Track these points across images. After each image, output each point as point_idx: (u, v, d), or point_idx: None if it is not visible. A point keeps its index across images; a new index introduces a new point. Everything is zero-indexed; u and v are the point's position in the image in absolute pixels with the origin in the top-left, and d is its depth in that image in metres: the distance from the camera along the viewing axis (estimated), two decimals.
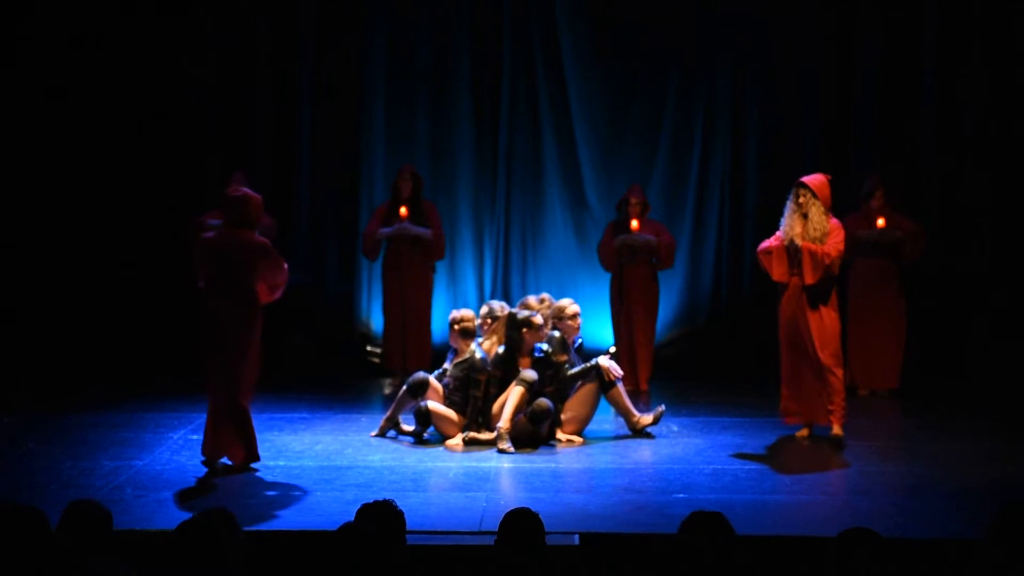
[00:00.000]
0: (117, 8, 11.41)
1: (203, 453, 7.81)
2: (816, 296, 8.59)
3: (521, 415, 8.61)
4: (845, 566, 4.13)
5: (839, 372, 8.69)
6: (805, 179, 8.59)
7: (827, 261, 8.47)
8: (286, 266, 8.03)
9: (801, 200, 8.53)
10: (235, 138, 11.65)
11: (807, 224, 8.51)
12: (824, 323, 8.61)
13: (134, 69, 11.47)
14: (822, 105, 11.72)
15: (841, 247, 8.53)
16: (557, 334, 9.07)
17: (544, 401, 8.64)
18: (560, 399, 8.88)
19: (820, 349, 8.61)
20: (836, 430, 8.72)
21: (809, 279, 8.51)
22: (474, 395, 8.77)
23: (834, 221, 8.55)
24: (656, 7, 11.79)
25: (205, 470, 7.83)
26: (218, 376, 7.74)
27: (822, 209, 8.50)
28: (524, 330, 8.84)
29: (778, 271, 8.65)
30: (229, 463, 7.89)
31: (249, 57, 11.69)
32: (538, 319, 8.89)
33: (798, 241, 8.49)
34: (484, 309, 9.34)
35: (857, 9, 11.61)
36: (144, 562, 4.91)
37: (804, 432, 8.86)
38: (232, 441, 7.82)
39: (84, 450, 8.39)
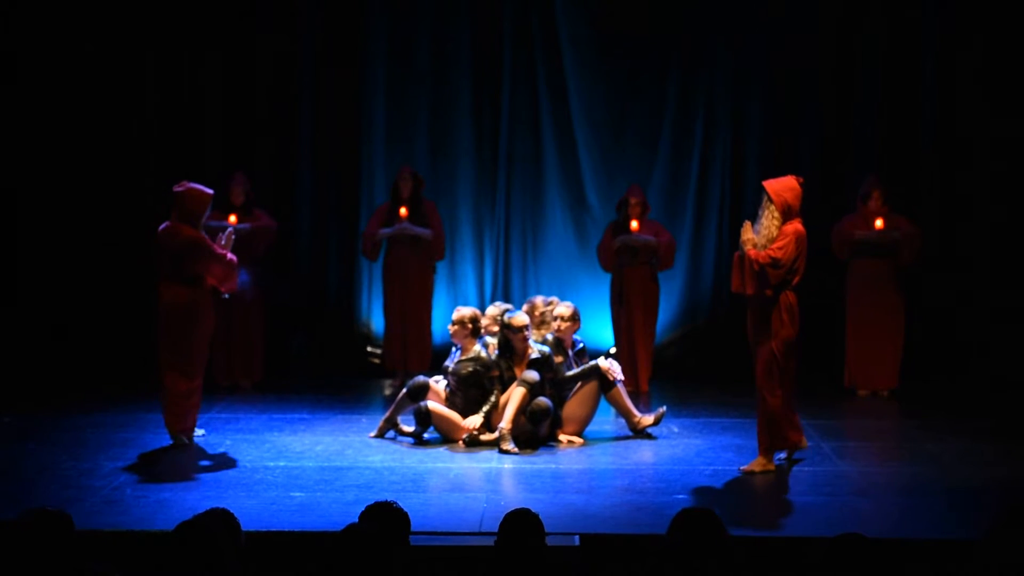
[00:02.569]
0: (117, 8, 11.40)
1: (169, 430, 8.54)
2: (763, 309, 7.97)
3: (521, 415, 8.61)
4: (844, 567, 4.13)
5: (771, 398, 7.96)
6: (766, 181, 8.14)
7: (755, 267, 7.82)
8: (230, 258, 8.56)
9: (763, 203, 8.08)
10: (235, 138, 11.65)
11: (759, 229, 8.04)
12: (769, 342, 7.97)
13: (134, 69, 11.46)
14: (822, 105, 11.72)
15: (781, 253, 7.82)
16: (551, 337, 9.07)
17: (544, 401, 8.64)
18: (559, 400, 8.88)
19: (757, 367, 8.07)
20: (752, 466, 8.01)
21: (748, 288, 7.91)
22: (491, 393, 8.76)
23: (788, 227, 7.91)
24: (656, 7, 11.78)
25: (206, 470, 7.87)
26: (168, 358, 8.49)
27: (775, 213, 7.96)
28: (506, 332, 8.87)
29: (733, 282, 8.07)
30: (192, 435, 8.62)
31: (249, 57, 11.68)
32: (519, 319, 8.88)
33: (746, 248, 7.96)
34: (492, 310, 9.31)
35: (857, 9, 11.61)
36: (144, 563, 4.91)
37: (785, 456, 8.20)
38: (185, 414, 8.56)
39: (84, 450, 8.39)
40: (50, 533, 4.30)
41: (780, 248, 7.88)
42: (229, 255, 8.58)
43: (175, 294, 8.49)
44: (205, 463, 8.13)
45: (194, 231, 8.47)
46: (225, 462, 8.16)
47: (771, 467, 7.98)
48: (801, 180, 8.19)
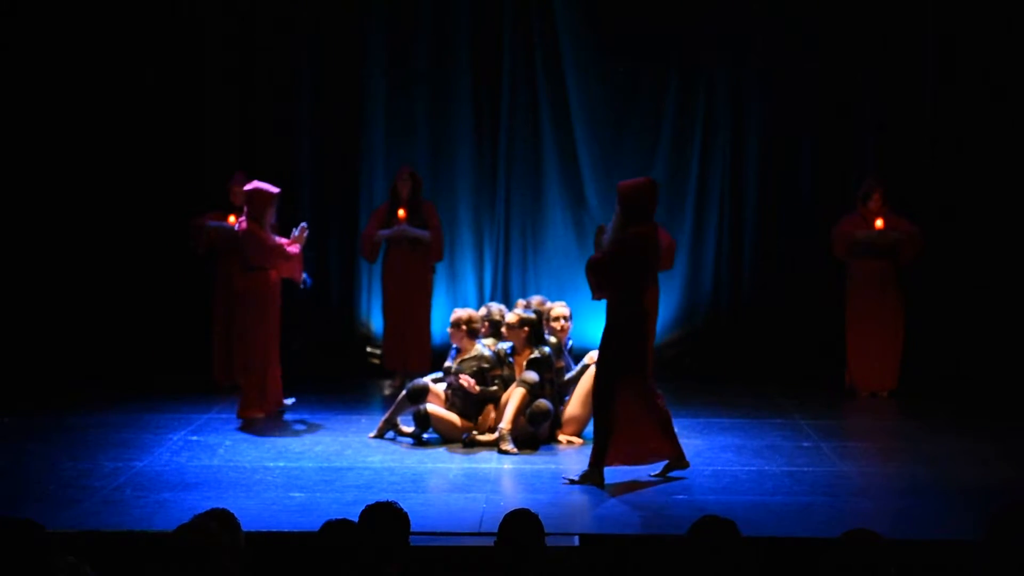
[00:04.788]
0: (117, 8, 11.40)
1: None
2: (607, 319, 7.72)
3: (521, 416, 8.61)
4: (846, 567, 4.13)
5: (598, 417, 7.70)
6: (620, 183, 7.94)
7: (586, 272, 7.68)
8: (290, 251, 9.46)
9: None
10: (235, 138, 11.65)
11: None
12: (602, 355, 7.70)
13: (134, 69, 11.46)
14: (822, 105, 11.71)
15: (600, 257, 7.66)
16: (553, 339, 9.06)
17: (543, 403, 8.64)
18: (558, 401, 8.88)
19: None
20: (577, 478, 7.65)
21: (592, 292, 7.83)
22: (494, 393, 8.77)
23: (631, 230, 7.63)
24: (656, 7, 11.78)
25: (203, 471, 7.88)
26: (239, 343, 9.69)
27: (618, 216, 7.73)
28: (503, 330, 8.93)
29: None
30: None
31: (249, 57, 11.68)
32: (511, 318, 8.95)
33: (596, 251, 7.80)
34: (482, 311, 9.35)
35: (857, 9, 11.60)
36: (144, 563, 4.91)
37: (658, 473, 7.81)
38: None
39: (84, 450, 8.39)
40: (16, 543, 4.27)
41: (604, 252, 7.70)
42: (289, 248, 9.47)
43: (243, 283, 9.51)
44: (205, 463, 8.13)
45: (254, 225, 9.39)
46: (225, 462, 8.17)
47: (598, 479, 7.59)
48: (653, 181, 7.93)
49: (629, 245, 7.60)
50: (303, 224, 9.71)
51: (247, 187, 9.57)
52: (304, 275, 9.74)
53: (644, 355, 7.68)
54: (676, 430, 9.15)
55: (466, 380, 8.69)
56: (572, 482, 7.61)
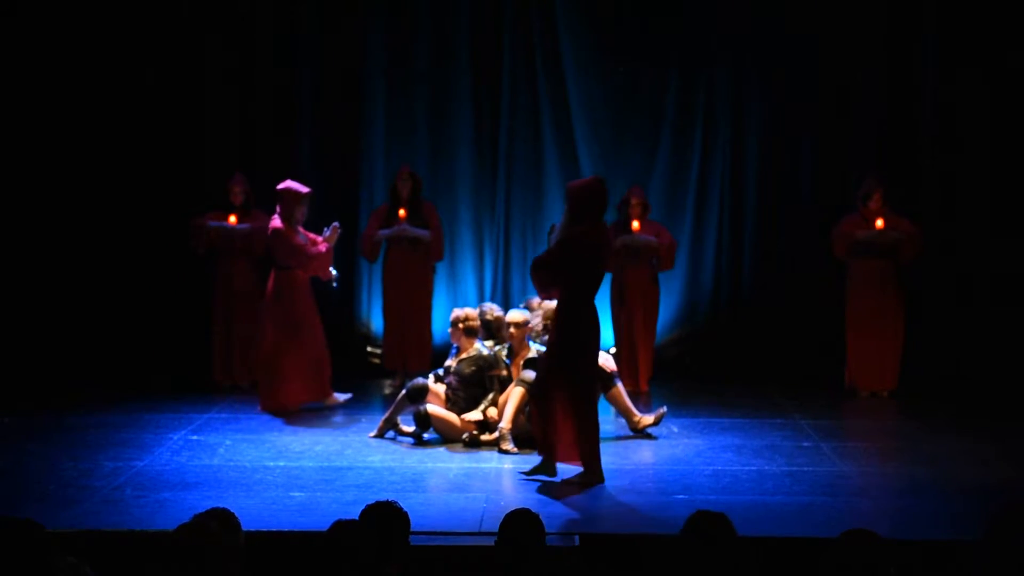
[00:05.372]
0: (118, 8, 11.40)
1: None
2: (555, 318, 7.72)
3: (521, 415, 8.61)
4: (845, 567, 4.13)
5: (538, 405, 7.73)
6: (569, 184, 7.99)
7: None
8: (315, 251, 9.75)
9: None
10: (235, 138, 11.65)
11: None
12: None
13: (134, 69, 11.46)
14: (822, 105, 11.72)
15: (544, 256, 7.68)
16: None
17: None
18: None
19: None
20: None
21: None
22: (493, 393, 8.77)
23: (574, 230, 7.59)
24: (656, 8, 11.78)
25: (203, 471, 7.88)
26: (280, 337, 9.74)
27: (566, 215, 7.72)
28: (503, 328, 9.01)
29: None
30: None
31: (249, 57, 11.68)
32: (519, 316, 8.97)
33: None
34: (476, 311, 9.35)
35: (857, 9, 11.60)
36: (144, 563, 4.91)
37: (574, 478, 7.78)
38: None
39: (84, 450, 8.39)
40: (16, 543, 4.27)
41: (548, 251, 7.72)
42: (314, 249, 9.74)
43: (275, 280, 9.78)
44: (205, 463, 8.13)
45: (283, 224, 9.70)
46: (225, 462, 8.17)
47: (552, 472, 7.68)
48: (601, 181, 7.87)
49: (573, 245, 7.59)
50: (335, 224, 9.97)
51: (279, 186, 9.80)
52: (334, 273, 9.94)
53: (589, 357, 7.66)
54: (676, 430, 9.22)
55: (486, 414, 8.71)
56: (526, 474, 7.71)
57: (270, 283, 9.88)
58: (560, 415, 7.62)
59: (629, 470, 8.08)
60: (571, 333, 7.59)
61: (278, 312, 9.76)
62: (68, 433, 8.93)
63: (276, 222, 9.76)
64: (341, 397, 10.05)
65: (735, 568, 4.30)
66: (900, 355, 10.65)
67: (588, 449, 7.66)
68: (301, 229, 9.89)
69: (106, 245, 11.45)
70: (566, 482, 7.67)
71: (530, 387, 7.94)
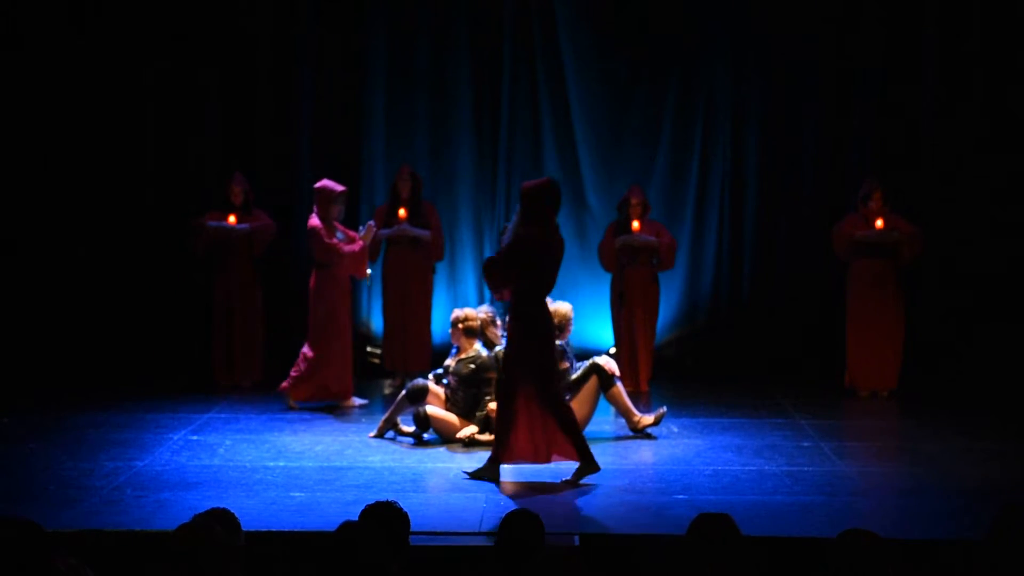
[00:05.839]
0: (118, 8, 11.41)
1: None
2: (509, 319, 7.76)
3: None
4: (845, 567, 4.13)
5: (499, 413, 7.77)
6: (524, 183, 7.98)
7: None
8: (347, 249, 9.86)
9: None
10: (235, 138, 11.65)
11: None
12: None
13: (133, 69, 11.46)
14: (822, 105, 11.72)
15: (496, 256, 7.72)
16: (559, 342, 9.04)
17: None
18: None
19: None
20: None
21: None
22: (486, 395, 8.78)
23: (522, 231, 7.59)
24: (656, 7, 11.78)
25: (203, 471, 7.89)
26: (311, 333, 9.97)
27: (518, 215, 7.74)
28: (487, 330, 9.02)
29: None
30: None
31: (249, 57, 11.68)
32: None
33: None
34: (476, 311, 9.33)
35: (857, 9, 11.61)
36: (144, 563, 4.91)
37: (570, 479, 7.70)
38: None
39: (84, 450, 8.39)
40: (15, 542, 4.26)
41: (498, 252, 7.75)
42: (346, 248, 9.84)
43: (315, 278, 9.92)
44: (205, 463, 8.13)
45: (316, 222, 9.81)
46: (225, 462, 8.17)
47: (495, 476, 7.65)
48: (553, 182, 7.84)
49: (523, 245, 7.59)
50: (370, 223, 10.17)
51: (316, 185, 9.94)
52: (369, 272, 10.10)
53: (545, 356, 7.65)
54: (676, 430, 9.22)
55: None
56: (470, 476, 7.69)
57: (311, 281, 10.00)
58: (524, 416, 7.61)
59: (629, 470, 8.08)
60: (526, 333, 7.59)
61: (315, 309, 9.94)
62: (68, 433, 8.93)
63: (312, 220, 9.88)
64: (358, 401, 10.08)
65: (741, 570, 4.30)
66: (900, 355, 10.65)
67: (577, 441, 7.67)
68: (340, 227, 10.02)
69: (106, 245, 11.45)
70: (566, 482, 7.67)
71: (497, 392, 7.91)
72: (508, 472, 7.95)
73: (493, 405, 8.74)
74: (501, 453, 7.67)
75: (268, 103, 11.74)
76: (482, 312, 9.22)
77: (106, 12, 11.40)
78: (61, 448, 8.45)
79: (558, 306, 9.22)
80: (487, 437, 8.64)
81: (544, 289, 7.67)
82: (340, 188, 9.96)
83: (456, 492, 7.50)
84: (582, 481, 7.65)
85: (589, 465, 7.67)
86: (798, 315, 11.70)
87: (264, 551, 6.01)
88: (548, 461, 7.71)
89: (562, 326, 9.01)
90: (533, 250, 7.57)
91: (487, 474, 7.67)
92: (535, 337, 7.60)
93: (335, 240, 9.89)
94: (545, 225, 7.64)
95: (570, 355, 9.11)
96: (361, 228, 10.07)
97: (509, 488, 7.59)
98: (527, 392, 7.59)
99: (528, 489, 7.56)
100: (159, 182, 11.55)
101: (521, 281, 7.60)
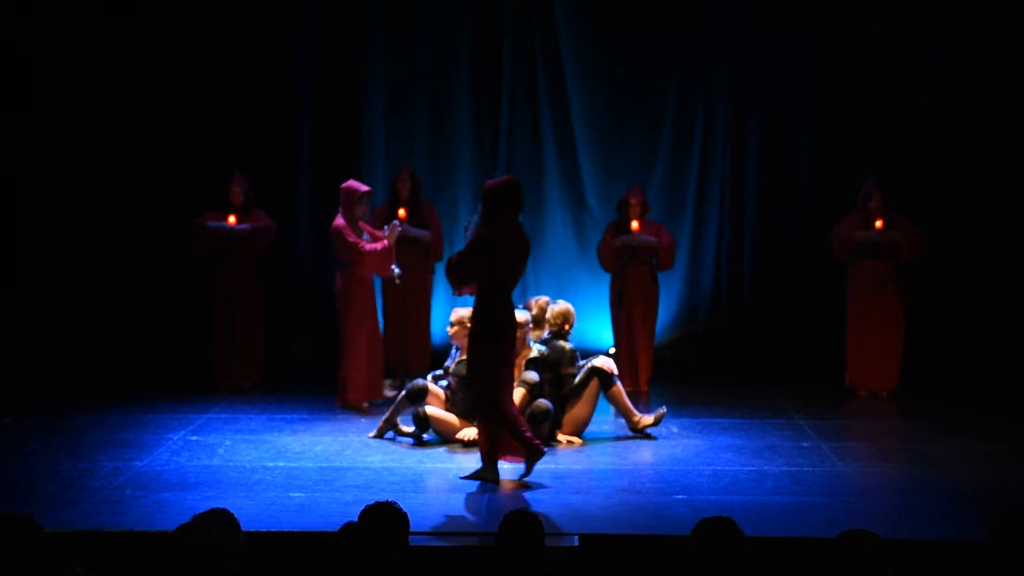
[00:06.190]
0: (118, 8, 11.41)
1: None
2: (471, 318, 7.83)
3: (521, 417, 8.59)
4: (844, 567, 4.13)
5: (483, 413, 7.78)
6: (486, 183, 7.96)
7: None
8: (368, 248, 9.86)
9: None
10: (235, 138, 11.65)
11: None
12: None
13: (133, 68, 11.46)
14: (822, 105, 11.72)
15: (455, 256, 7.76)
16: (568, 345, 9.01)
17: (543, 403, 8.63)
18: (558, 400, 8.87)
19: None
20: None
21: None
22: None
23: (480, 230, 7.59)
24: (656, 7, 11.79)
25: (202, 471, 7.89)
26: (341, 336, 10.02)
27: (479, 214, 7.71)
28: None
29: None
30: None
31: (249, 57, 11.68)
32: (519, 316, 8.98)
33: None
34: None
35: (857, 9, 11.61)
36: (144, 563, 4.91)
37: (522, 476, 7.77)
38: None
39: (84, 450, 8.39)
40: (12, 537, 4.26)
41: (459, 251, 7.82)
42: (367, 247, 9.85)
43: (340, 277, 9.98)
44: (205, 463, 8.13)
45: (340, 222, 9.87)
46: (225, 462, 8.17)
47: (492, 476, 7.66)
48: (512, 182, 7.77)
49: (480, 244, 7.60)
50: (395, 222, 10.14)
51: (342, 185, 9.98)
52: (395, 270, 10.10)
53: (505, 355, 7.67)
54: (676, 430, 9.22)
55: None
56: (466, 477, 7.71)
57: (337, 281, 10.07)
58: (511, 412, 7.69)
59: (629, 471, 8.08)
60: (484, 332, 7.62)
61: (341, 308, 10.03)
62: (68, 433, 8.93)
63: (337, 220, 9.94)
64: (390, 393, 10.24)
65: (747, 572, 4.31)
66: (900, 355, 10.64)
67: (492, 443, 7.69)
68: (366, 227, 10.06)
69: (106, 245, 11.45)
70: (518, 481, 7.65)
71: (478, 393, 7.88)
72: (507, 472, 7.96)
73: None
74: (497, 451, 7.69)
75: (268, 103, 11.74)
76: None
77: (106, 12, 11.39)
78: (61, 448, 8.45)
79: (561, 305, 9.22)
80: None
81: (504, 288, 7.67)
82: (364, 188, 10.00)
83: (456, 492, 7.50)
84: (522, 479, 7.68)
85: (535, 454, 7.67)
86: (798, 315, 11.70)
87: (264, 551, 6.01)
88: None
89: (570, 325, 9.03)
90: (491, 249, 7.58)
91: (487, 475, 7.67)
92: (494, 336, 7.62)
93: (358, 239, 9.93)
94: (504, 224, 7.62)
95: (578, 358, 9.07)
96: (386, 228, 10.08)
97: (509, 488, 7.59)
98: (503, 388, 7.62)
99: (528, 489, 7.56)
100: (159, 182, 11.55)
101: (481, 280, 7.64)
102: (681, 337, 12.00)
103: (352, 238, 9.90)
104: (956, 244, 11.38)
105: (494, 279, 7.61)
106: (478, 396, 7.83)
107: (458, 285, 7.80)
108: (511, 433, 7.67)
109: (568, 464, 8.22)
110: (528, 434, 7.68)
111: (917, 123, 11.57)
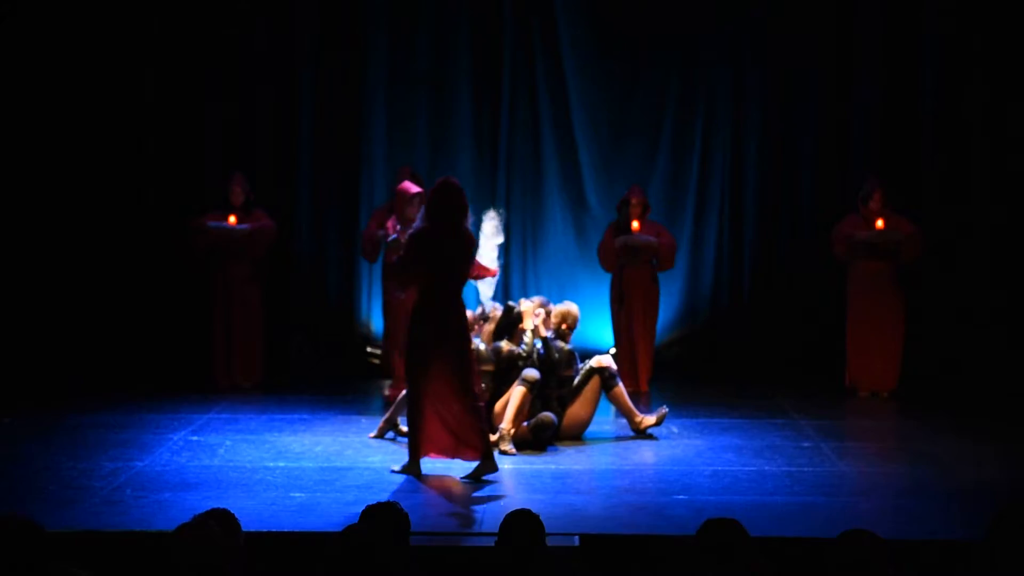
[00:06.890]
0: (117, 8, 11.41)
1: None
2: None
3: (524, 424, 8.59)
4: (845, 567, 4.13)
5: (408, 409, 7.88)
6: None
7: None
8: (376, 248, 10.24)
9: None
10: (235, 138, 11.65)
11: None
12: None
13: (134, 69, 11.46)
14: (822, 105, 11.72)
15: (399, 256, 7.94)
16: (567, 346, 9.01)
17: (548, 416, 8.61)
18: (561, 402, 8.87)
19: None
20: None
21: None
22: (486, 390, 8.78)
23: (415, 229, 7.74)
24: (656, 7, 11.79)
25: (203, 471, 7.89)
26: None
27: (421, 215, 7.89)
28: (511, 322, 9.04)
29: None
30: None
31: (249, 57, 11.68)
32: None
33: None
34: (478, 310, 9.33)
35: (857, 9, 11.61)
36: (144, 563, 4.91)
37: (468, 475, 7.77)
38: None
39: (84, 451, 8.39)
40: (14, 540, 4.26)
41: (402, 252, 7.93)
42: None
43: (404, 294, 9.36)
44: (205, 464, 8.13)
45: (391, 224, 9.89)
46: (225, 462, 8.16)
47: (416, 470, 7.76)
48: (448, 182, 7.83)
49: (412, 243, 7.71)
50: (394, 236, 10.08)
51: (398, 187, 9.95)
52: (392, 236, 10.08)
53: (461, 353, 7.70)
54: (676, 430, 9.21)
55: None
56: (395, 471, 7.77)
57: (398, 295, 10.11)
58: (428, 411, 7.69)
59: (629, 471, 8.08)
60: (417, 329, 7.68)
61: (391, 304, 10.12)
62: (68, 433, 8.93)
63: (389, 223, 10.05)
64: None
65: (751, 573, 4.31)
66: (900, 355, 10.64)
67: (484, 440, 7.72)
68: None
69: (106, 245, 11.44)
70: (466, 479, 7.66)
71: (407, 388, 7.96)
72: (508, 473, 7.96)
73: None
74: (418, 448, 7.75)
75: (268, 103, 11.74)
76: (470, 312, 9.22)
77: (106, 11, 11.39)
78: (61, 448, 8.45)
79: (567, 307, 9.20)
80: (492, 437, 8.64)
81: (445, 287, 7.71)
82: (415, 190, 9.86)
83: (456, 492, 7.50)
84: (485, 477, 7.69)
85: (488, 464, 7.70)
86: (798, 315, 11.70)
87: (264, 551, 6.01)
88: (461, 458, 7.78)
89: (568, 325, 9.03)
90: (425, 248, 7.65)
91: (410, 470, 7.75)
92: (425, 333, 7.65)
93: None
94: (438, 224, 7.68)
95: (576, 360, 9.07)
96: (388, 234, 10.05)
97: (508, 487, 7.59)
98: (431, 387, 7.64)
99: (528, 489, 7.56)
100: (159, 182, 11.55)
101: (421, 279, 7.73)
102: (681, 337, 12.00)
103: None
104: (956, 244, 11.36)
105: (433, 278, 7.67)
106: (408, 391, 7.86)
107: (401, 284, 8.06)
108: (408, 427, 7.79)
109: (568, 464, 8.22)
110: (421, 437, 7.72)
111: (917, 123, 11.56)
